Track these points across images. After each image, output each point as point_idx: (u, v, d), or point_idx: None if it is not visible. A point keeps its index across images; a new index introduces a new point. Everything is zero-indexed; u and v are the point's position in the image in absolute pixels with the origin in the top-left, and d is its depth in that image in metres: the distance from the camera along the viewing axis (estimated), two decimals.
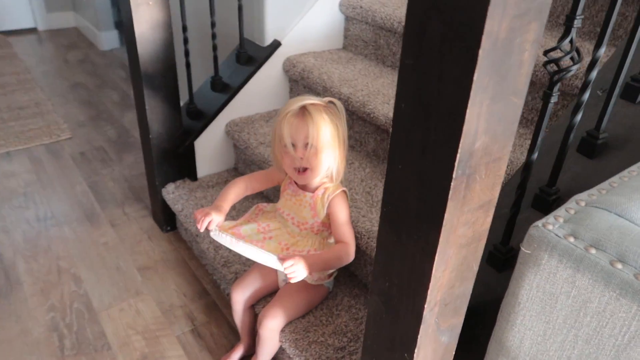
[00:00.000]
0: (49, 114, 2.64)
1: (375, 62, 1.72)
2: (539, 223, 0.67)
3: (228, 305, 1.48)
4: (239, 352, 1.31)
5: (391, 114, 1.36)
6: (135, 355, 1.33)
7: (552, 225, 0.67)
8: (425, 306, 0.69)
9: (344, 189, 1.17)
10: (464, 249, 0.66)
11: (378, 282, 0.76)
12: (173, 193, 1.66)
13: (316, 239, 1.18)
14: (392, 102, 1.42)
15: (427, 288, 0.67)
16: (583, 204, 0.72)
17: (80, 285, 1.54)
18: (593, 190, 0.77)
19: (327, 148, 1.09)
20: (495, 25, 0.49)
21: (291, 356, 1.14)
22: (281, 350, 1.21)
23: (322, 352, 1.12)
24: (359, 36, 1.77)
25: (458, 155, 0.56)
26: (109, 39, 3.69)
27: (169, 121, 1.60)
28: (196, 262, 1.65)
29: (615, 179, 0.80)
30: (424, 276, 0.67)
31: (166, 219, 1.75)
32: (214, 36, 1.60)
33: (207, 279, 1.58)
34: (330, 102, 1.13)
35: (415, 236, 0.66)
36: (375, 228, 1.21)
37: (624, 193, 0.73)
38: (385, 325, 0.78)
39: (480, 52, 0.50)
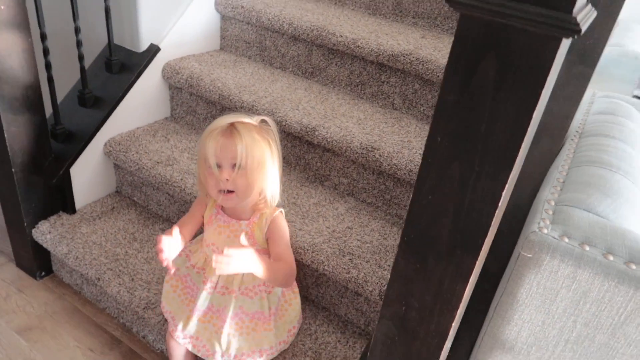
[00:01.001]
0: None
1: (263, 64, 1.66)
2: (535, 228, 0.75)
3: (147, 349, 1.31)
4: None
5: (304, 120, 1.34)
6: None
7: (545, 229, 0.75)
8: (453, 324, 0.72)
9: (281, 209, 1.12)
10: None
11: (392, 307, 0.76)
12: (50, 233, 1.39)
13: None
14: (301, 107, 1.40)
15: (456, 308, 0.70)
16: (553, 203, 0.82)
17: None
18: (546, 188, 0.88)
19: (258, 170, 1.01)
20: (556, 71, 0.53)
21: None
22: None
23: None
24: (239, 37, 1.68)
25: (505, 188, 0.59)
26: None
27: (35, 149, 1.32)
28: (92, 307, 1.42)
29: (556, 174, 0.92)
30: (455, 298, 0.69)
31: (39, 263, 1.46)
32: (79, 44, 1.35)
33: (113, 324, 1.37)
34: (263, 120, 1.07)
35: (444, 262, 0.67)
36: (316, 240, 1.20)
37: (578, 189, 0.85)
38: (399, 347, 0.79)
39: (543, 92, 0.53)
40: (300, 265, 1.26)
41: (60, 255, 1.36)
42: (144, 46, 1.49)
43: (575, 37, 0.48)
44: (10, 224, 1.45)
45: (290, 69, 1.62)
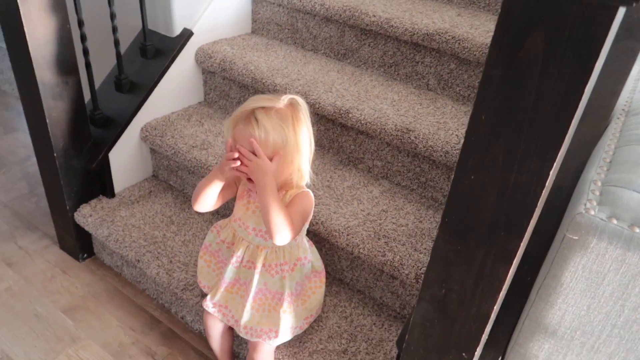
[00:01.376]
0: None
1: (295, 47, 1.65)
2: (582, 210, 0.72)
3: (186, 329, 1.35)
4: None
5: (338, 102, 1.33)
6: None
7: (592, 210, 0.72)
8: (495, 308, 0.70)
9: (308, 190, 1.08)
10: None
11: (431, 289, 0.75)
12: (91, 216, 1.43)
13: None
14: (334, 89, 1.38)
15: (498, 291, 0.68)
16: (599, 183, 0.79)
17: None
18: (592, 168, 0.85)
19: (278, 156, 0.99)
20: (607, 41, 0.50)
21: None
22: None
23: None
24: (270, 19, 1.67)
25: (553, 167, 0.57)
26: None
27: (75, 134, 1.35)
28: (132, 288, 1.46)
29: (602, 154, 0.89)
30: (497, 281, 0.68)
31: (81, 246, 1.51)
32: (114, 30, 1.37)
33: (152, 305, 1.41)
34: (292, 101, 1.02)
35: (487, 244, 0.66)
36: (351, 223, 1.19)
37: (626, 170, 0.81)
38: (438, 330, 0.78)
39: (595, 66, 0.50)
40: (335, 248, 1.26)
41: (101, 238, 1.40)
42: (177, 31, 1.50)
43: (634, 4, 0.45)
44: (54, 208, 1.49)
45: (323, 51, 1.60)
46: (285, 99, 1.02)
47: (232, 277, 1.11)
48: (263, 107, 0.99)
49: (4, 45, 2.96)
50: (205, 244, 1.18)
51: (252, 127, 0.97)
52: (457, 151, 1.18)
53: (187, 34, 1.50)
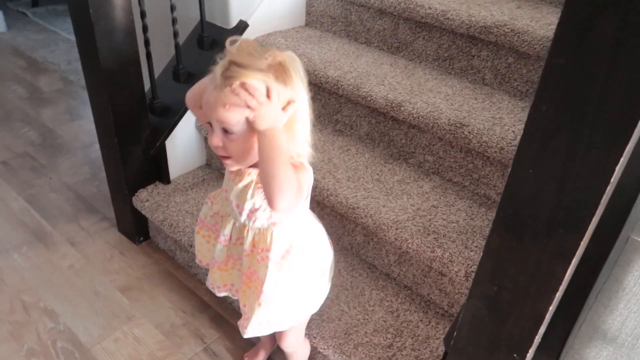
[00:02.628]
0: None
1: (348, 40, 1.64)
2: None
3: (235, 314, 1.38)
4: (262, 355, 1.24)
5: (390, 95, 1.31)
6: None
7: None
8: (550, 308, 0.68)
9: (302, 160, 0.88)
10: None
11: (483, 286, 0.73)
12: (148, 201, 1.49)
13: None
14: (387, 82, 1.37)
15: (554, 291, 0.66)
16: None
17: (57, 320, 1.34)
18: None
19: (291, 106, 0.80)
20: None
21: None
22: (324, 357, 1.15)
23: (370, 354, 1.09)
24: (324, 12, 1.68)
25: (620, 162, 0.54)
26: None
27: (136, 121, 1.41)
28: (184, 272, 1.51)
29: None
30: (554, 280, 0.65)
31: (138, 229, 1.57)
32: (174, 21, 1.42)
33: (203, 289, 1.45)
34: (281, 62, 0.79)
35: (544, 241, 0.63)
36: (400, 217, 1.18)
37: None
38: (488, 328, 0.76)
39: None
40: (382, 241, 1.26)
41: (157, 222, 1.46)
42: (233, 22, 1.53)
43: None
44: (114, 192, 1.57)
45: (376, 44, 1.59)
46: (272, 58, 0.78)
47: (222, 256, 0.99)
48: (239, 70, 0.76)
49: (72, 38, 3.12)
50: (201, 218, 1.03)
51: (220, 90, 0.76)
52: (513, 148, 1.14)
53: (242, 26, 1.53)
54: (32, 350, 1.26)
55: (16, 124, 2.22)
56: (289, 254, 0.93)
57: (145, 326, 1.34)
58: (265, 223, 0.91)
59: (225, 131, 0.81)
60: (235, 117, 0.78)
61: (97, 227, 1.66)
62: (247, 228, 0.92)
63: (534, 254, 0.65)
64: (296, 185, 0.82)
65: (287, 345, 1.10)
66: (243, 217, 0.92)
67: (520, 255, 0.67)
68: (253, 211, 0.90)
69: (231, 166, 0.87)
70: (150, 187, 1.53)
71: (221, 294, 1.06)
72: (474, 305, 0.76)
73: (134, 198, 1.51)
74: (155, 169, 1.54)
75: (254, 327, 0.97)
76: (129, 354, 1.27)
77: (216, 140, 0.82)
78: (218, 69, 0.78)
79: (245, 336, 0.99)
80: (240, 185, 0.89)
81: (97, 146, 2.06)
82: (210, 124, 0.83)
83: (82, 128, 2.21)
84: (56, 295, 1.41)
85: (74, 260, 1.53)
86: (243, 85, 0.75)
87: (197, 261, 1.10)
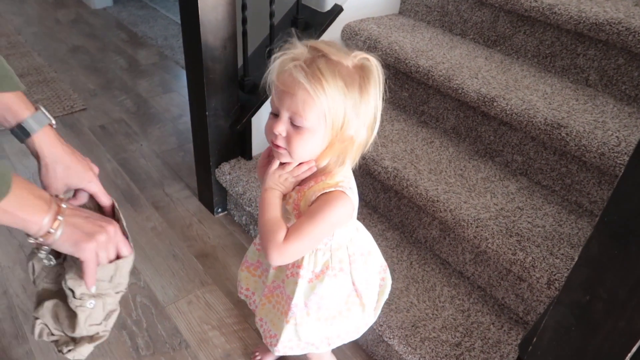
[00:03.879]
0: (54, 82, 2.42)
1: (442, 30, 1.60)
2: None
3: None
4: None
5: (483, 89, 1.26)
6: (217, 353, 1.25)
7: None
8: None
9: (343, 188, 0.78)
10: None
11: (573, 294, 0.69)
12: (229, 174, 1.54)
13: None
14: (481, 75, 1.32)
15: None
16: None
17: (138, 277, 1.43)
18: None
19: (309, 134, 0.74)
20: None
21: (402, 354, 1.08)
22: (388, 347, 1.15)
23: (437, 349, 1.06)
24: (420, 1, 1.64)
25: None
26: None
27: (226, 96, 1.46)
28: None
29: None
30: None
31: (218, 200, 1.64)
32: (271, 1, 1.45)
33: None
34: (365, 60, 0.75)
35: None
36: (482, 215, 1.14)
37: None
38: (574, 339, 0.72)
39: None
40: (460, 238, 1.22)
41: (236, 195, 1.51)
42: (328, 6, 1.54)
43: None
44: (198, 163, 1.64)
45: (471, 36, 1.53)
46: (358, 56, 0.75)
47: (255, 257, 0.98)
48: (325, 56, 0.72)
49: (170, 15, 3.28)
50: (247, 260, 1.02)
51: (300, 86, 0.71)
52: (615, 154, 1.06)
53: (337, 10, 1.53)
54: None
55: (115, 92, 2.38)
56: (324, 274, 0.86)
57: (217, 293, 1.40)
58: None
59: (293, 123, 0.74)
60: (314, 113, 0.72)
61: (180, 194, 1.75)
62: None
63: (639, 265, 0.61)
64: (277, 237, 0.77)
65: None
66: None
67: (622, 265, 0.62)
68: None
69: (284, 157, 0.79)
70: (232, 161, 1.59)
71: (241, 295, 1.04)
72: (560, 313, 0.72)
73: (216, 170, 1.57)
74: (240, 144, 1.59)
75: (284, 345, 0.92)
76: (200, 317, 1.33)
77: (280, 126, 0.75)
78: (303, 53, 0.74)
79: (277, 354, 0.95)
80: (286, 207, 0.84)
81: (185, 119, 2.17)
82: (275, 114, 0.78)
83: (173, 100, 2.32)
84: (139, 253, 1.51)
85: (157, 223, 1.62)
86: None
87: (238, 294, 1.06)
